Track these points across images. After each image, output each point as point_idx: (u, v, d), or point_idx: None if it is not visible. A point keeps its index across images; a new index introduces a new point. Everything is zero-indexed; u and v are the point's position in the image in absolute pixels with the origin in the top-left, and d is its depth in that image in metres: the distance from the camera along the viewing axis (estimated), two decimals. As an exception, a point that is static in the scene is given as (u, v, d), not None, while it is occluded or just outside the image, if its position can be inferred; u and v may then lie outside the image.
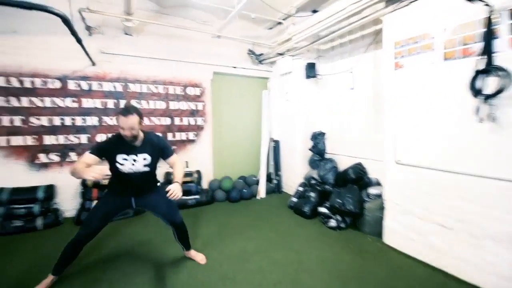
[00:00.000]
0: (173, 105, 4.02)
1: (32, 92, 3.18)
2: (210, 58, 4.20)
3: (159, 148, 2.12)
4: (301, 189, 3.91)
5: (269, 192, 4.53)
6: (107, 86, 3.57)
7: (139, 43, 3.70)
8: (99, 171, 1.72)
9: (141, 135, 2.04)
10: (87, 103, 3.47)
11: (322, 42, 3.65)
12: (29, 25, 3.10)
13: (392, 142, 2.62)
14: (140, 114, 1.95)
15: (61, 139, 3.36)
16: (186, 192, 3.84)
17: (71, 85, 3.37)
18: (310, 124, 4.28)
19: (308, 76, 4.12)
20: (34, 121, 3.21)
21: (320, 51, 4.20)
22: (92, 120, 3.51)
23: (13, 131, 3.12)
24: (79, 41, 2.42)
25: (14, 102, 3.10)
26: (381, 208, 2.82)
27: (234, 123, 4.68)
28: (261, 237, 2.95)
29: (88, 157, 1.91)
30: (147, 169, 2.08)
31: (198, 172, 4.12)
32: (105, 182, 1.89)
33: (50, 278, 2.01)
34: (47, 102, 3.26)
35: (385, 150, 2.71)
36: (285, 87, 4.52)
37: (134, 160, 2.02)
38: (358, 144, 3.66)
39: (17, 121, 3.13)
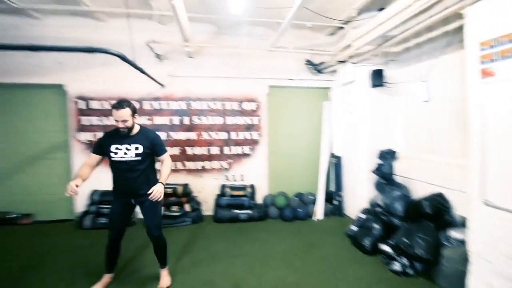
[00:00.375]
0: (230, 120, 4.17)
1: (118, 112, 3.90)
2: (265, 72, 4.18)
3: (152, 143, 2.19)
4: (363, 216, 3.37)
5: (328, 213, 4.11)
6: (174, 105, 4.02)
7: (199, 64, 4.03)
8: (71, 188, 1.86)
9: (137, 128, 2.19)
10: (158, 120, 3.99)
11: (393, 44, 3.09)
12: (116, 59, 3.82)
13: (478, 173, 1.92)
14: (133, 107, 2.08)
15: (137, 151, 3.97)
16: (238, 206, 3.90)
17: (146, 106, 3.95)
18: (377, 140, 3.66)
19: (374, 85, 3.56)
20: (119, 136, 3.92)
21: (389, 55, 3.56)
22: (161, 135, 3.99)
23: (104, 144, 3.89)
24: (141, 71, 2.80)
25: (105, 120, 3.86)
26: (465, 260, 2.10)
27: (291, 137, 4.49)
28: (307, 268, 2.66)
29: (91, 157, 2.16)
30: (137, 158, 2.13)
31: (252, 186, 4.12)
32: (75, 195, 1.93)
33: (106, 277, 2.32)
34: (128, 120, 3.93)
35: (469, 183, 2.02)
36: (347, 97, 4.04)
37: (127, 149, 2.11)
38: (439, 169, 2.89)
39: (108, 136, 3.89)
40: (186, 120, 4.05)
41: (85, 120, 3.82)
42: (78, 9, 3.22)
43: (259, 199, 4.29)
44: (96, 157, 2.15)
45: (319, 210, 4.08)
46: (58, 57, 3.68)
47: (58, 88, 3.77)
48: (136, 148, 2.13)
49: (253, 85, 4.19)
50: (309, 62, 4.23)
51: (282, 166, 4.48)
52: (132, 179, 2.15)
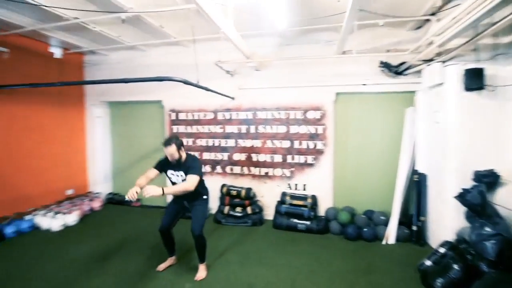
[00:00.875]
0: (293, 129, 4.19)
1: (198, 122, 4.60)
2: (333, 79, 3.96)
3: (188, 168, 2.57)
4: (442, 250, 2.74)
5: (402, 239, 3.52)
6: (242, 115, 4.39)
7: (265, 76, 4.23)
8: (131, 193, 2.32)
9: (184, 156, 2.64)
10: (228, 129, 4.47)
11: (496, 32, 2.36)
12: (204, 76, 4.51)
13: None
14: (178, 143, 2.52)
15: (212, 156, 4.57)
16: (297, 216, 3.89)
17: (219, 116, 4.50)
18: (473, 157, 2.87)
19: (468, 88, 2.81)
20: (198, 142, 4.62)
21: (495, 47, 2.71)
22: (231, 142, 4.46)
23: (187, 148, 4.65)
24: (206, 89, 3.27)
25: (189, 129, 4.64)
26: None
27: (362, 148, 4.07)
28: (348, 296, 2.44)
29: (151, 170, 2.68)
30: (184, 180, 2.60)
31: (314, 197, 4.01)
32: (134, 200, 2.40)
33: (169, 259, 2.92)
34: (206, 129, 4.57)
35: None
36: (434, 103, 3.33)
37: (177, 175, 2.65)
38: None
39: (190, 142, 4.65)
40: (252, 129, 4.35)
41: (175, 128, 4.72)
42: (168, 41, 4.05)
43: (321, 211, 4.12)
44: (155, 172, 2.67)
45: (391, 233, 3.54)
46: (159, 79, 4.71)
47: (158, 103, 4.81)
48: (181, 175, 2.64)
49: (319, 93, 4.05)
50: (384, 64, 3.72)
51: (350, 179, 4.13)
52: (185, 194, 2.57)
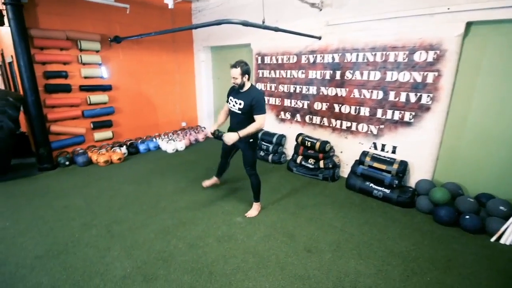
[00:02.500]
0: (391, 75, 3.28)
1: (281, 66, 4.36)
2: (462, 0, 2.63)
3: (252, 102, 2.51)
4: None
5: (529, 243, 2.45)
6: (327, 58, 3.78)
7: (363, 3, 3.30)
8: (210, 133, 2.58)
9: (247, 86, 2.60)
10: (311, 74, 4.02)
11: None
12: (281, 19, 4.08)
13: None
14: (244, 68, 2.51)
15: (292, 103, 4.37)
16: (376, 181, 3.37)
17: (303, 59, 4.06)
18: None
19: None
20: (280, 88, 4.47)
21: None
22: (312, 90, 4.06)
23: (270, 94, 4.64)
24: (275, 29, 2.95)
25: (272, 74, 4.50)
26: None
27: (495, 110, 2.76)
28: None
29: (225, 104, 2.86)
30: (239, 112, 2.63)
31: (403, 163, 3.26)
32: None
33: (214, 178, 3.40)
34: (288, 74, 4.30)
35: None
36: None
37: (236, 102, 2.65)
38: None
39: (273, 87, 4.56)
40: (338, 75, 3.73)
41: (260, 73, 4.70)
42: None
43: (410, 182, 3.36)
44: (227, 105, 2.82)
45: (509, 232, 2.52)
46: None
47: (248, 46, 4.81)
48: (240, 104, 2.61)
49: (437, 24, 2.85)
50: None
51: (465, 148, 3.02)
52: (234, 124, 2.74)
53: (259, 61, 4.66)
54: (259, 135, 4.71)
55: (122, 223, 2.79)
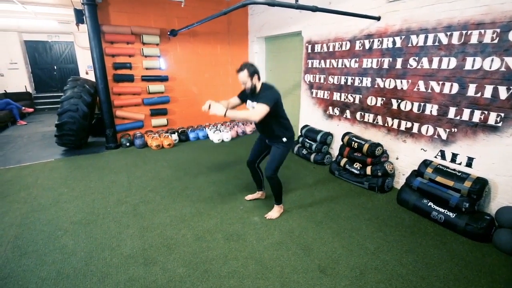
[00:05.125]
0: (471, 62, 2.43)
1: (332, 55, 3.83)
2: None
3: (259, 100, 2.24)
4: None
5: None
6: (386, 43, 3.10)
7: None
8: (210, 107, 2.23)
9: (259, 86, 2.36)
10: (365, 63, 3.39)
11: None
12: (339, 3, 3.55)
13: None
14: (251, 70, 2.26)
15: (342, 97, 3.80)
16: (438, 200, 2.63)
17: (357, 46, 3.45)
18: None
19: None
20: (330, 79, 3.94)
21: None
22: (366, 81, 3.42)
23: (318, 86, 4.16)
24: (313, 9, 2.54)
25: (322, 64, 4.01)
26: None
27: None
28: None
29: (234, 97, 2.60)
30: None
31: (481, 181, 2.41)
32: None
33: (257, 192, 3.03)
34: (340, 63, 3.74)
35: None
36: None
37: (252, 106, 2.40)
38: None
39: (322, 79, 4.07)
40: (399, 63, 3.01)
41: (310, 63, 4.26)
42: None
43: (490, 207, 2.47)
44: (237, 100, 2.59)
45: None
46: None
47: (299, 35, 4.43)
48: (253, 107, 2.38)
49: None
50: None
51: None
52: (260, 128, 2.52)
53: (309, 50, 4.23)
54: (303, 131, 4.33)
55: (148, 203, 2.95)
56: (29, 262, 2.08)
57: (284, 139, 2.47)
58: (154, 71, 4.93)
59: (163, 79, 5.00)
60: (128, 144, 4.80)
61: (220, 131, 5.29)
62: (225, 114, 2.16)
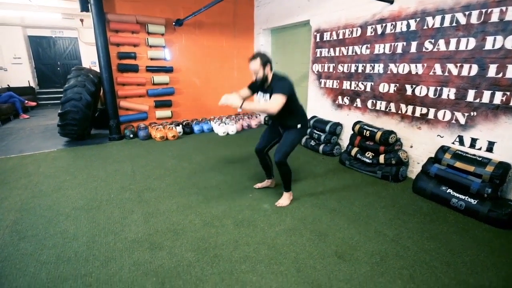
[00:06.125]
0: (492, 42, 2.32)
1: (342, 42, 3.73)
2: None
3: (273, 91, 2.16)
4: None
5: None
6: (400, 27, 3.00)
7: None
8: (225, 99, 2.11)
9: (271, 76, 2.25)
10: (377, 49, 3.29)
11: None
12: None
13: None
14: (264, 59, 2.16)
15: (352, 85, 3.70)
16: (458, 186, 2.51)
17: (368, 31, 3.35)
18: None
19: None
20: (339, 68, 3.84)
21: None
22: (378, 68, 3.32)
23: (327, 75, 4.06)
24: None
25: (331, 52, 3.91)
26: None
27: None
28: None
29: (244, 89, 2.45)
30: None
31: (504, 166, 2.28)
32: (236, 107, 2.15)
33: (266, 180, 2.90)
34: (350, 50, 3.64)
35: None
36: None
37: (263, 97, 2.34)
38: None
39: (331, 68, 3.97)
40: (413, 46, 2.91)
41: (318, 52, 4.16)
42: None
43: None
44: (247, 91, 2.44)
45: None
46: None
47: (307, 24, 4.34)
48: (267, 99, 2.30)
49: None
50: None
51: None
52: (275, 116, 2.36)
53: (318, 39, 4.13)
54: (312, 122, 4.21)
55: (153, 191, 2.84)
56: (27, 246, 1.97)
57: (299, 125, 2.39)
58: (159, 62, 4.84)
59: (168, 70, 4.92)
60: (131, 135, 4.70)
61: (226, 124, 5.18)
62: (241, 106, 2.09)
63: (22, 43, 8.02)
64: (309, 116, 4.42)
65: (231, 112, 5.87)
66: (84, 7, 4.05)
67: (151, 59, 4.74)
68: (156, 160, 3.76)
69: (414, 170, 3.13)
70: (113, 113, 4.48)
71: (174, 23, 4.76)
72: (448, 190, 2.53)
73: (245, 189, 2.88)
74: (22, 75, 8.09)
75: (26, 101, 6.73)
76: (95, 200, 2.64)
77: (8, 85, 7.58)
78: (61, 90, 7.73)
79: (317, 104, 4.36)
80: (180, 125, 5.05)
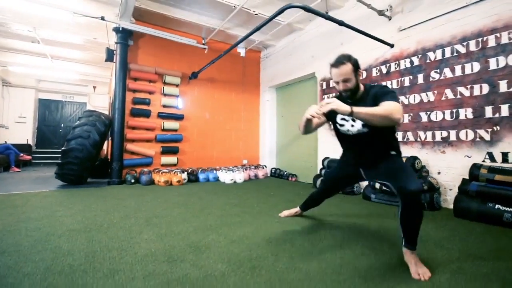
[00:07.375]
0: (495, 62, 2.58)
1: (348, 85, 4.05)
2: None
3: (375, 99, 1.53)
4: None
5: None
6: (403, 64, 3.34)
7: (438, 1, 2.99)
8: (314, 110, 1.55)
9: (362, 88, 1.67)
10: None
11: None
12: (351, 37, 4.03)
13: None
14: (355, 62, 1.60)
15: (364, 122, 3.81)
16: (505, 199, 2.27)
17: (373, 72, 3.70)
18: None
19: None
20: (348, 108, 4.04)
21: None
22: (388, 102, 3.50)
23: (337, 116, 4.22)
24: (343, 25, 2.83)
25: (338, 95, 4.19)
26: None
27: None
28: None
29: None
30: (365, 130, 1.63)
31: (550, 173, 2.17)
32: (318, 120, 1.73)
33: (297, 209, 2.50)
34: (357, 91, 3.92)
35: None
36: None
37: (354, 120, 1.65)
38: None
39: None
40: (420, 78, 3.17)
41: (326, 98, 4.45)
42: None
43: None
44: (321, 118, 1.78)
45: None
46: (311, 53, 4.74)
47: (313, 79, 4.80)
48: (352, 125, 1.68)
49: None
50: None
51: None
52: (365, 154, 1.75)
53: (324, 87, 4.49)
54: (325, 163, 4.11)
55: (163, 217, 2.44)
56: (7, 260, 1.51)
57: (393, 152, 1.71)
58: (171, 109, 5.00)
59: (178, 117, 5.03)
60: (133, 180, 4.37)
61: (233, 171, 4.98)
62: (351, 111, 1.42)
63: (31, 104, 8.32)
64: (321, 158, 4.36)
65: (237, 163, 5.75)
66: (110, 57, 4.42)
67: (164, 106, 4.92)
68: (162, 197, 3.40)
69: (448, 199, 2.91)
70: (117, 155, 4.29)
71: (189, 77, 5.17)
72: (497, 206, 2.29)
73: (268, 216, 2.53)
74: (23, 133, 8.06)
75: (22, 154, 6.47)
76: (95, 224, 2.21)
77: (5, 141, 7.43)
78: (58, 150, 7.63)
79: (328, 147, 4.37)
80: (185, 172, 4.82)
